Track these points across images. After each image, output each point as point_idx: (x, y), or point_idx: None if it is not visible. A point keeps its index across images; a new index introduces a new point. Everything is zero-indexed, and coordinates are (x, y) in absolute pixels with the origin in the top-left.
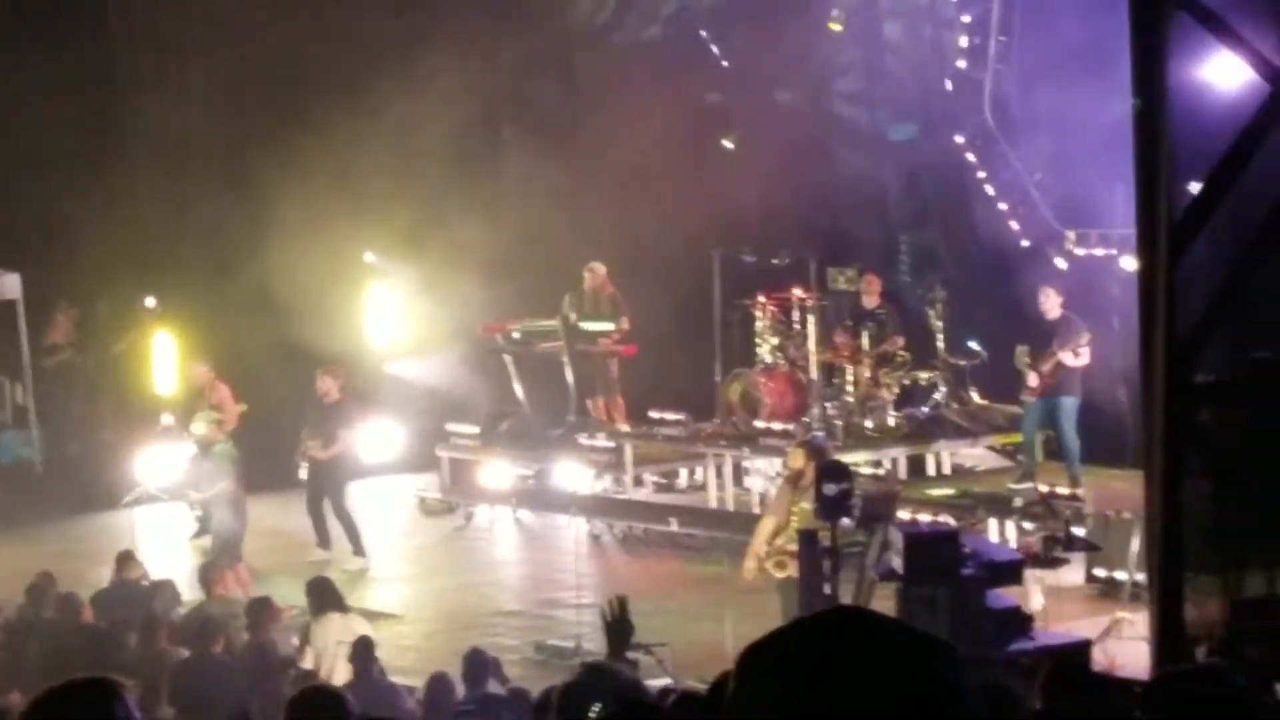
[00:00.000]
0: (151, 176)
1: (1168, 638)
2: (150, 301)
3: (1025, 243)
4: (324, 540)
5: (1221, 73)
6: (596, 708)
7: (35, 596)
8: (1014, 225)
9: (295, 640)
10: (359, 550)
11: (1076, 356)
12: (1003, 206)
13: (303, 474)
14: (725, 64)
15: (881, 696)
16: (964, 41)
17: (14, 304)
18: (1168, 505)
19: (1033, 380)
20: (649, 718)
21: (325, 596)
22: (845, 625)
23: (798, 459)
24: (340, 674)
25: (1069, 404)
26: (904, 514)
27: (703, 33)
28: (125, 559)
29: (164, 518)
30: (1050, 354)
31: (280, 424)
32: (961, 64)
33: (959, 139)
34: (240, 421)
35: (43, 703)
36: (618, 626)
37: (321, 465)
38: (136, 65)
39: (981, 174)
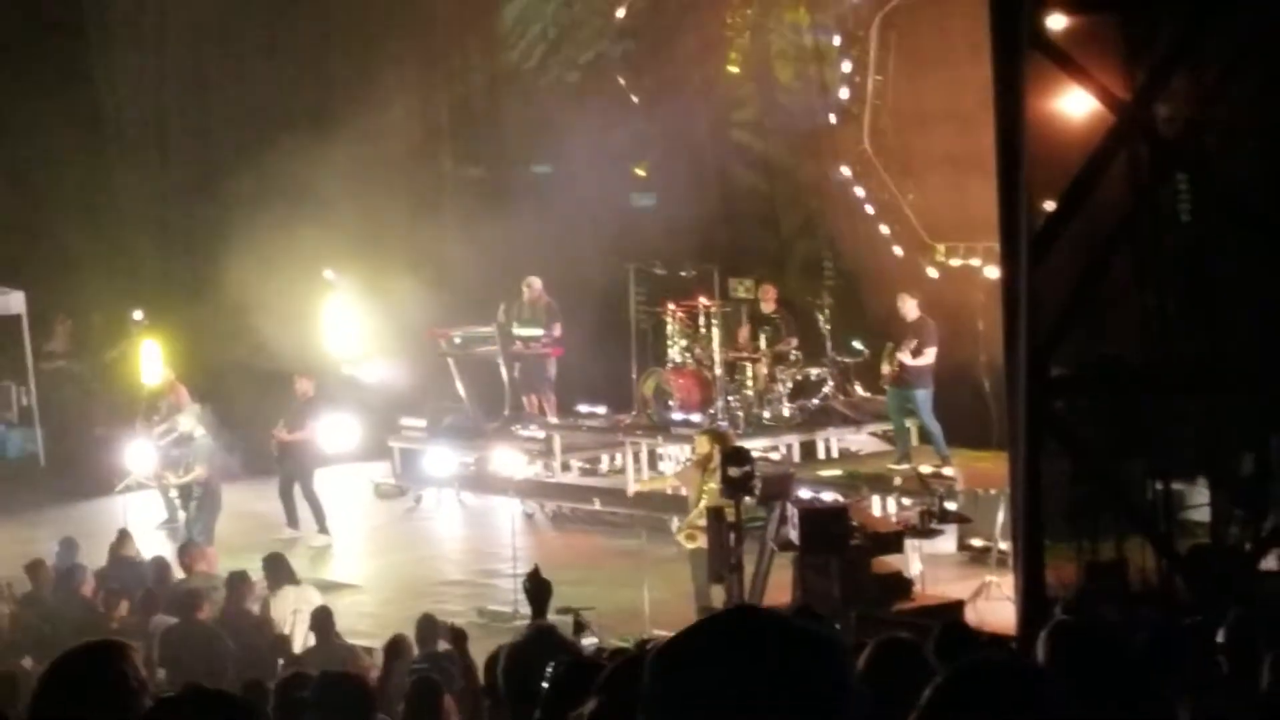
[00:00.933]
0: (138, 206)
1: (1030, 598)
2: (138, 314)
3: (900, 254)
4: (292, 520)
5: (1072, 103)
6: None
7: (33, 574)
8: (891, 240)
9: (257, 610)
10: (323, 529)
11: (915, 357)
12: (882, 225)
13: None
14: (635, 100)
15: (775, 691)
16: (845, 81)
17: (19, 318)
18: (1029, 482)
19: (884, 370)
20: (592, 672)
21: (280, 571)
22: (743, 627)
23: (704, 445)
24: (299, 639)
25: (921, 395)
26: (803, 492)
27: (620, 79)
28: (122, 538)
29: (150, 503)
30: (893, 352)
31: (251, 419)
32: (844, 99)
33: (844, 169)
34: None
35: (61, 663)
36: (535, 591)
37: (290, 451)
38: (122, 107)
39: (861, 193)
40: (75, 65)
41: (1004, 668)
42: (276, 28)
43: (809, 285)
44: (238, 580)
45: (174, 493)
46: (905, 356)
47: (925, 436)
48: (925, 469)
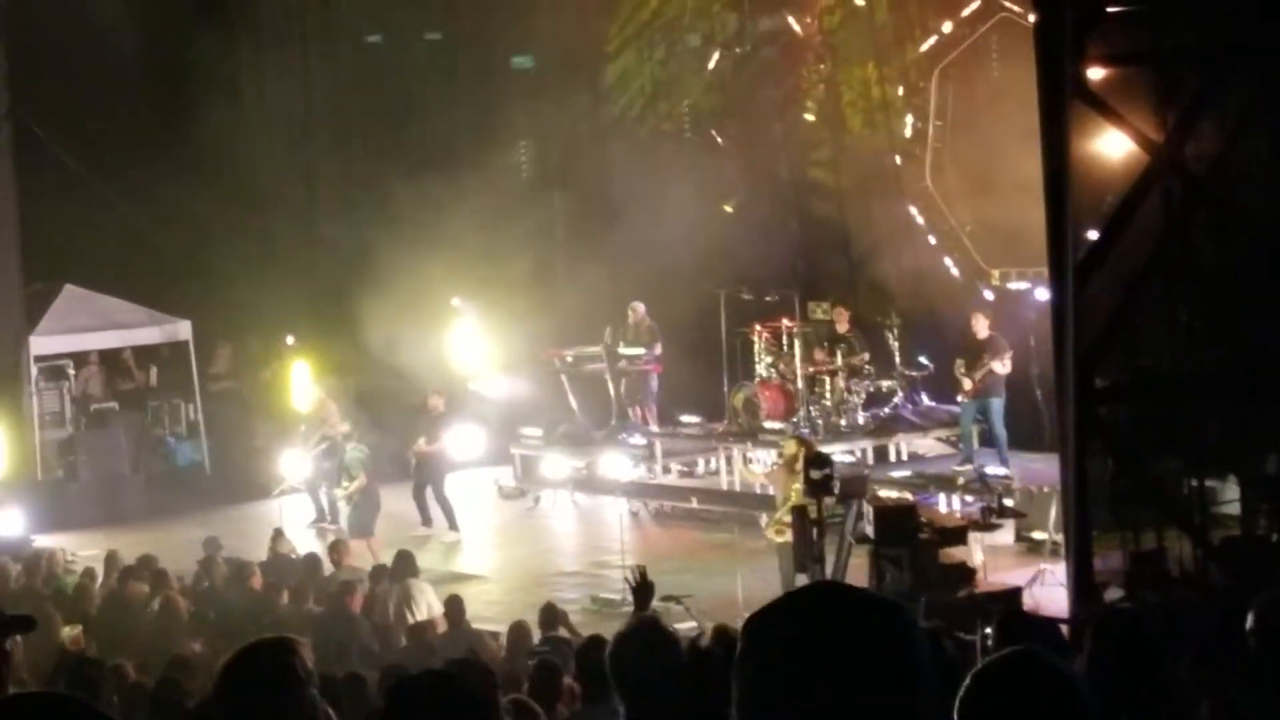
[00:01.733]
0: (289, 246)
1: (1081, 583)
2: (290, 339)
3: (960, 279)
4: (425, 519)
5: (1110, 144)
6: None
7: (205, 567)
8: (951, 266)
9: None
10: (454, 526)
11: (1004, 366)
12: (944, 254)
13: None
14: (723, 144)
15: (852, 652)
16: (908, 127)
17: (186, 343)
18: (1078, 480)
19: (967, 385)
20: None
21: (405, 566)
22: (823, 597)
23: (791, 448)
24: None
25: (996, 404)
26: (881, 492)
27: (712, 131)
28: (278, 537)
29: (302, 506)
30: (983, 364)
31: (392, 431)
32: (908, 142)
33: (910, 205)
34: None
35: (238, 657)
36: (641, 589)
37: (426, 459)
38: (275, 158)
39: (924, 225)
40: (234, 123)
41: (1038, 663)
42: (410, 85)
43: (878, 303)
44: (378, 573)
45: (342, 500)
46: (996, 365)
47: (989, 440)
48: (986, 470)
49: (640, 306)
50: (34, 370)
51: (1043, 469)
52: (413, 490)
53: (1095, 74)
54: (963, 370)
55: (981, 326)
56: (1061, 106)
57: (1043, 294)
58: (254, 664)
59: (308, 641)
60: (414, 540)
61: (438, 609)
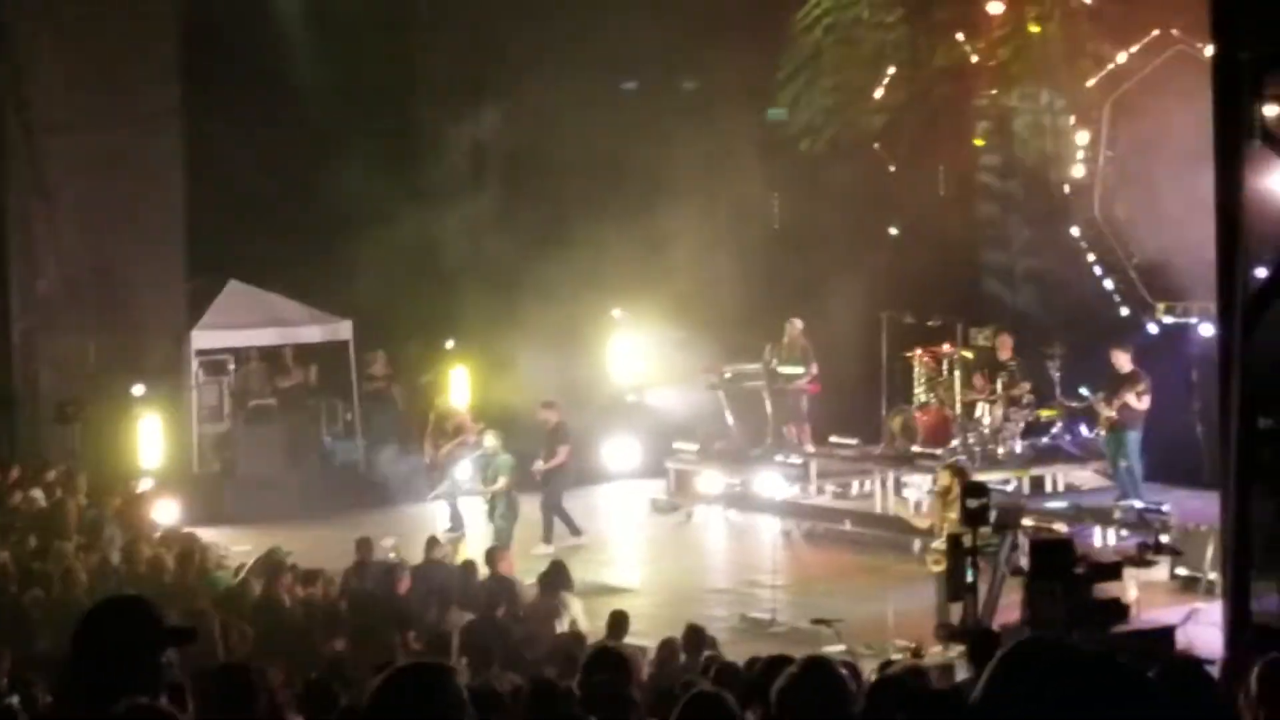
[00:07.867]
0: (454, 253)
1: (1237, 624)
2: (449, 343)
3: (1125, 312)
4: (574, 530)
5: None
6: None
7: (357, 569)
8: (1117, 298)
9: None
10: (547, 539)
11: (1139, 400)
12: (1108, 284)
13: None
14: (892, 169)
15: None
16: (1078, 156)
17: (346, 344)
18: (1239, 521)
19: (1107, 414)
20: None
21: (556, 579)
22: (1073, 657)
23: (945, 478)
24: None
25: (1132, 437)
26: (1028, 522)
27: (875, 145)
28: (432, 543)
29: (466, 511)
30: (1120, 397)
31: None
32: (1077, 173)
33: (1074, 231)
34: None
35: (390, 681)
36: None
37: (547, 475)
38: (441, 162)
39: (1091, 257)
40: (403, 126)
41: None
42: (579, 88)
43: (1041, 332)
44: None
45: (484, 502)
46: (1132, 399)
47: (1148, 474)
48: (1141, 505)
49: (798, 322)
50: (195, 364)
51: (1200, 506)
52: (540, 504)
53: (1270, 111)
54: (1101, 403)
55: (1123, 362)
56: (1238, 143)
57: (1207, 329)
58: (410, 687)
59: (462, 666)
60: (562, 552)
61: (582, 624)
